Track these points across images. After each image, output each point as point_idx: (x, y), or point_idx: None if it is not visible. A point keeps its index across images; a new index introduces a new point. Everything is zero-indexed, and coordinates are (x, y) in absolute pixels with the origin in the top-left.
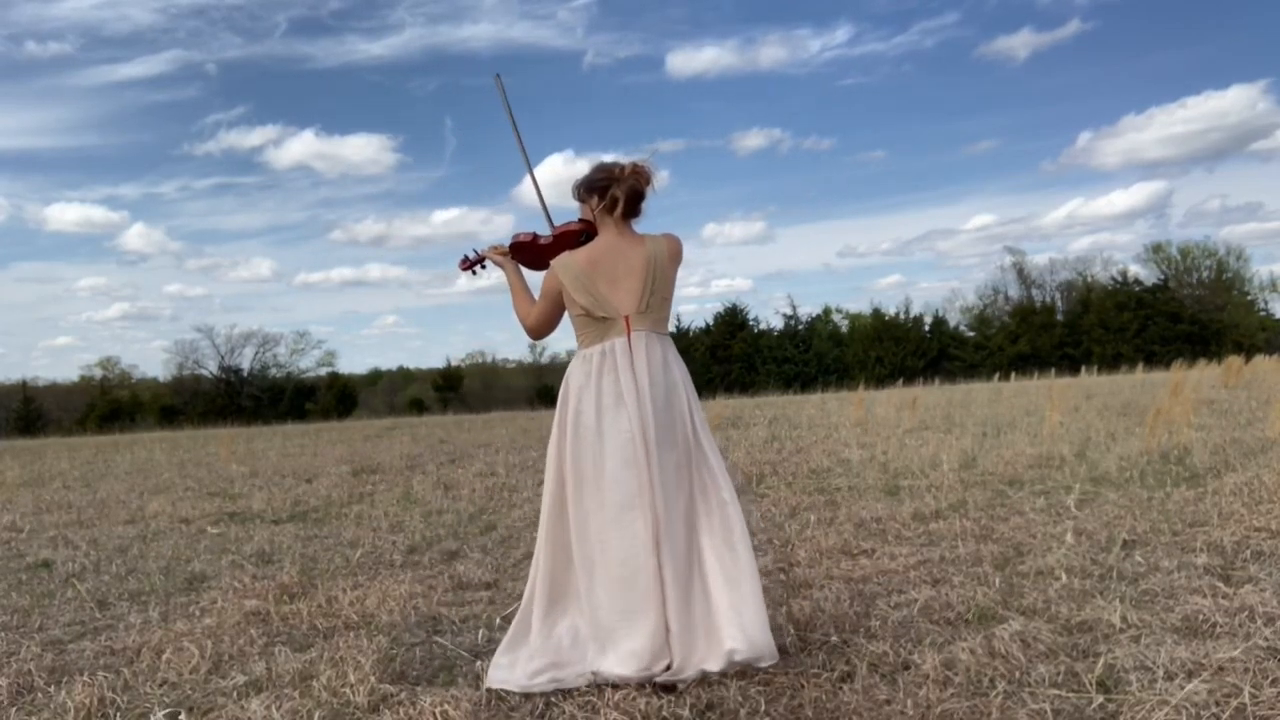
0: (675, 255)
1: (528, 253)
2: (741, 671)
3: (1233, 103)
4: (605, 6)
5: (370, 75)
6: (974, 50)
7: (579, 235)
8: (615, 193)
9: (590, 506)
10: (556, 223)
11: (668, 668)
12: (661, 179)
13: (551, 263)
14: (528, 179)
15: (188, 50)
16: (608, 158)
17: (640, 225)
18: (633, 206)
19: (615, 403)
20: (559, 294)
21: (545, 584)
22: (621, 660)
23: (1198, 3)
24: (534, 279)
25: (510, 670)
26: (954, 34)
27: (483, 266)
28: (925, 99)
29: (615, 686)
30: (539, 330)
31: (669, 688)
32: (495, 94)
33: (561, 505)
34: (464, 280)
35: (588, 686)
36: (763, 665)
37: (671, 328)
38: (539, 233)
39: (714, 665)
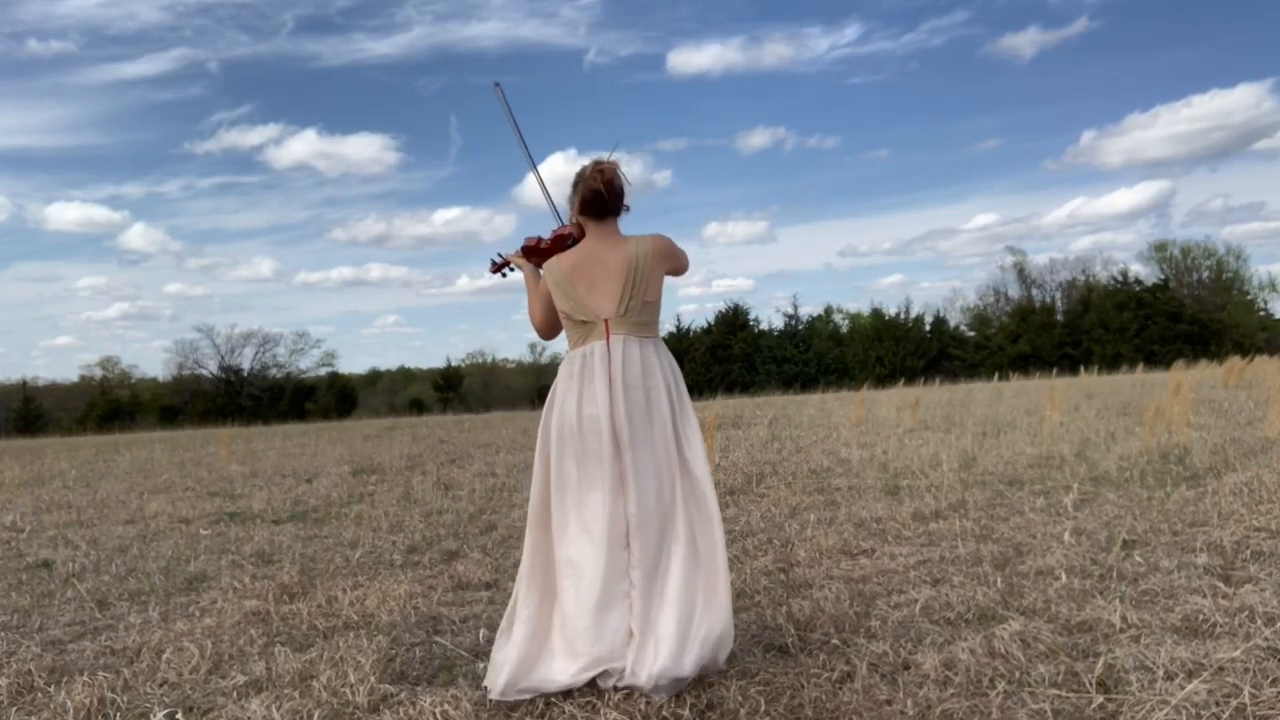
0: (663, 255)
1: (534, 255)
2: (742, 671)
3: (1238, 101)
4: (611, 5)
5: (376, 74)
6: (980, 48)
7: (568, 239)
8: (576, 196)
9: (570, 507)
10: (565, 223)
11: (624, 673)
12: (663, 177)
13: (544, 265)
14: (532, 178)
15: (195, 49)
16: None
17: (638, 224)
18: (594, 208)
19: (593, 406)
20: (551, 296)
21: (530, 587)
22: (585, 667)
23: (1206, 0)
24: None
25: (495, 676)
26: (963, 32)
27: (510, 269)
28: (930, 98)
29: (616, 687)
30: (543, 331)
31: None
32: (497, 96)
33: (546, 506)
34: (464, 279)
35: (587, 687)
36: (658, 695)
37: (670, 328)
38: (543, 236)
39: (644, 681)
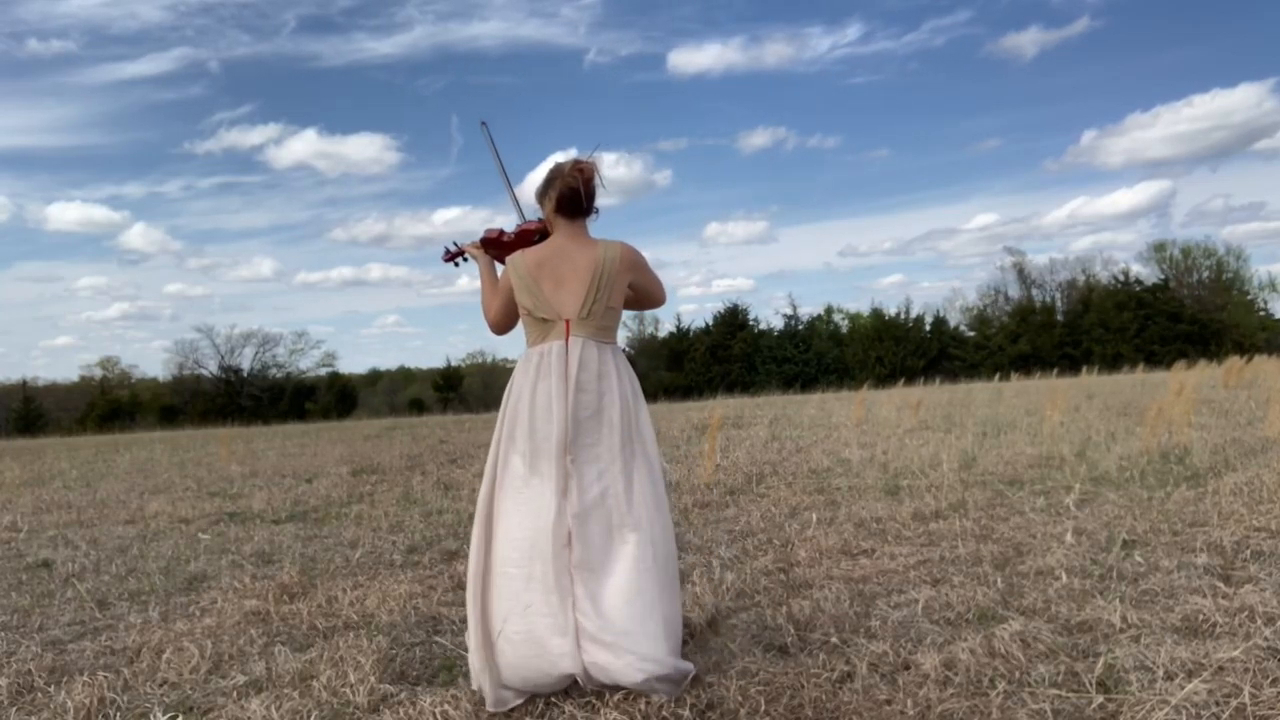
0: (630, 264)
1: (495, 248)
2: (742, 671)
3: (1239, 101)
4: (611, 5)
5: (377, 74)
6: (981, 48)
7: (534, 234)
8: (551, 192)
9: (511, 506)
10: (531, 221)
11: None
12: (663, 177)
13: (507, 259)
14: (519, 186)
15: (196, 48)
16: (610, 157)
17: (638, 224)
18: (569, 206)
19: (546, 405)
20: (510, 291)
21: (475, 586)
22: (551, 662)
23: (1207, 0)
24: None
25: (480, 684)
26: (964, 32)
27: (464, 258)
28: (931, 98)
29: (618, 687)
30: (497, 325)
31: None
32: (498, 95)
33: (490, 503)
34: (465, 279)
35: (586, 688)
36: (658, 694)
37: (670, 328)
38: (505, 229)
39: (636, 679)
